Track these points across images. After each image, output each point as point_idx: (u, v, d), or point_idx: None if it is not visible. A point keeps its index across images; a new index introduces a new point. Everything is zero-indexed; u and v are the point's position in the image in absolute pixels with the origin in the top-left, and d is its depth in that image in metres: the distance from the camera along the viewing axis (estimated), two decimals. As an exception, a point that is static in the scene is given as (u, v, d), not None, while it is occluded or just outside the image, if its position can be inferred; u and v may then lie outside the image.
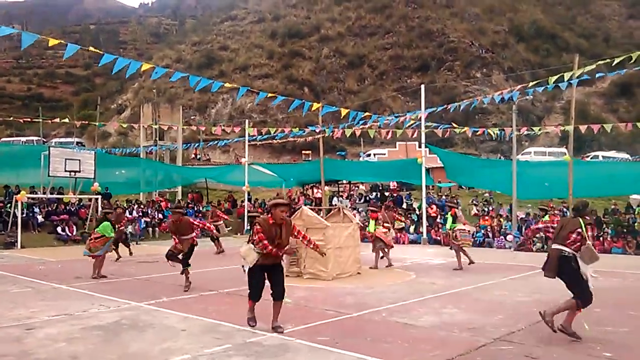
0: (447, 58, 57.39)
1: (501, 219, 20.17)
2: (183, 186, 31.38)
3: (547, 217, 12.49)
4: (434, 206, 21.75)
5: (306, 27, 67.49)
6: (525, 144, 40.48)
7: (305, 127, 25.60)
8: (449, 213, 12.25)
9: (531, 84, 14.99)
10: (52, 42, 8.96)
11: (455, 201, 14.42)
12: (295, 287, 9.29)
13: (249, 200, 26.73)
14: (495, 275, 10.84)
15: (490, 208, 23.05)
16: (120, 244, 14.11)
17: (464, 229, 11.89)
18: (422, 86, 18.76)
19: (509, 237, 18.10)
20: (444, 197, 24.03)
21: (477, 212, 23.02)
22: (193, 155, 42.53)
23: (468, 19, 64.17)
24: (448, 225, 12.07)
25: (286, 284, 9.57)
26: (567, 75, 14.27)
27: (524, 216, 20.10)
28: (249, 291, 6.01)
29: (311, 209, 12.11)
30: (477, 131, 19.67)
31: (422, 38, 61.02)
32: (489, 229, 19.18)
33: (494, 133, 18.75)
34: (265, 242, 5.79)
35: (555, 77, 14.41)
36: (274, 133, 23.44)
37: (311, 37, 65.57)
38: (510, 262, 13.30)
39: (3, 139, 36.63)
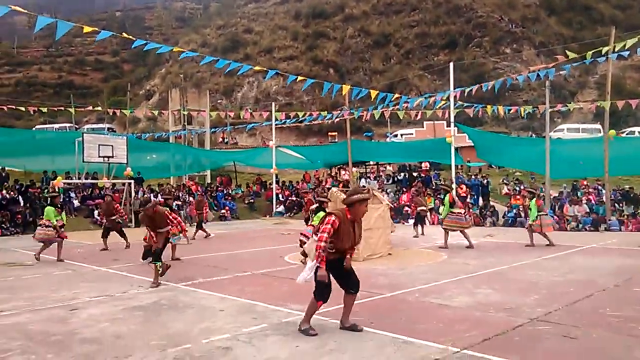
0: (475, 34, 55.96)
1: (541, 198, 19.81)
2: (212, 170, 31.80)
3: (534, 202, 12.30)
4: (463, 186, 21.47)
5: (330, 7, 66.70)
6: (557, 121, 39.42)
7: (332, 109, 25.47)
8: (446, 197, 12.50)
9: (568, 57, 14.36)
10: (87, 29, 9.19)
11: (450, 185, 14.65)
12: (327, 268, 9.39)
13: (277, 182, 26.92)
14: (529, 255, 10.70)
15: (522, 187, 22.64)
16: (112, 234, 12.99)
17: (460, 212, 12.32)
18: (451, 64, 18.38)
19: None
20: (473, 177, 23.72)
21: (508, 191, 22.64)
22: (221, 139, 42.93)
23: (497, -7, 62.24)
24: (445, 210, 12.41)
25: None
26: (605, 50, 13.72)
27: (557, 195, 19.70)
28: (315, 289, 5.18)
29: (340, 190, 12.13)
30: (510, 110, 19.20)
31: (449, 14, 59.58)
32: (520, 209, 18.85)
33: (525, 112, 18.27)
34: (324, 238, 4.90)
35: (592, 52, 13.88)
36: (302, 116, 23.42)
37: (335, 17, 64.81)
38: (543, 242, 13.09)
39: (38, 126, 37.64)
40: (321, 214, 9.40)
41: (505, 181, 24.54)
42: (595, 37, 32.61)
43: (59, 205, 11.51)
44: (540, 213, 12.26)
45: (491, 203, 21.01)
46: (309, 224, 10.06)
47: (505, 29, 55.82)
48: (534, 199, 12.38)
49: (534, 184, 22.98)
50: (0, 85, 77.16)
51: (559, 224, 17.04)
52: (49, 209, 11.03)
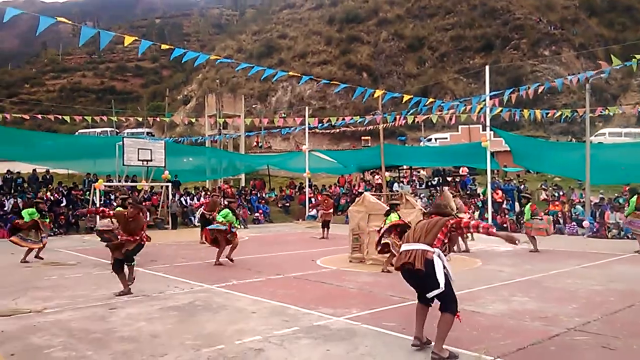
0: (512, 36, 54.85)
1: (572, 205, 19.25)
2: (246, 173, 32.22)
3: (528, 207, 12.67)
4: (499, 191, 21.09)
5: (364, 11, 66.67)
6: (598, 125, 38.18)
7: (365, 113, 25.35)
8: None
9: (612, 62, 13.87)
10: (128, 39, 9.49)
11: (458, 190, 14.81)
12: (358, 272, 9.39)
13: (310, 186, 27.04)
14: (567, 263, 10.42)
15: (561, 193, 22.04)
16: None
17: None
18: (487, 67, 18.06)
19: (585, 224, 17.24)
20: (508, 182, 23.24)
21: (546, 197, 22.08)
22: (255, 143, 43.48)
23: (535, -6, 60.86)
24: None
25: (349, 269, 9.76)
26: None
27: (597, 201, 19.07)
28: (452, 300, 4.73)
29: (372, 194, 12.11)
30: (548, 113, 18.68)
31: (485, 17, 58.65)
32: (559, 215, 18.37)
33: (564, 116, 17.76)
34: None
35: (640, 58, 13.35)
36: (335, 122, 23.41)
37: (369, 21, 64.72)
38: (583, 250, 12.72)
39: (80, 131, 39.00)
40: (393, 216, 9.28)
41: (543, 187, 23.93)
42: (638, 39, 31.48)
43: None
44: (535, 217, 12.48)
45: (528, 209, 20.49)
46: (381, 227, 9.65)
47: (544, 31, 54.50)
48: (529, 204, 12.80)
49: (570, 190, 22.34)
50: (46, 90, 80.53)
51: (599, 231, 16.51)
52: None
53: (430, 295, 4.64)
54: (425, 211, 5.23)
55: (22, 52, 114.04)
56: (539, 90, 15.23)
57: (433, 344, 4.65)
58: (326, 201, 17.02)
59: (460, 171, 27.34)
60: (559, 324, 5.60)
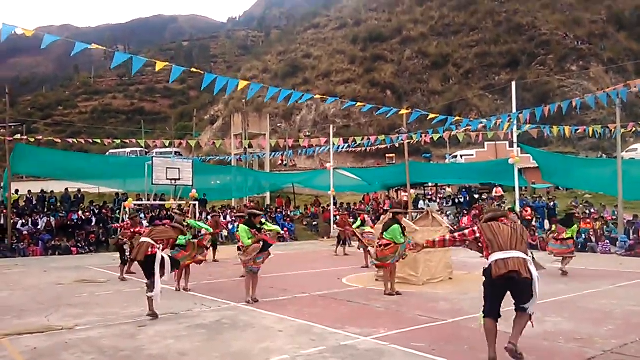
0: (538, 52, 54.33)
1: (605, 222, 18.72)
2: (271, 192, 32.39)
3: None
4: (528, 209, 20.67)
5: (388, 30, 67.15)
6: (629, 141, 37.23)
7: (390, 131, 25.25)
8: (359, 218, 14.15)
9: None
10: (159, 65, 9.78)
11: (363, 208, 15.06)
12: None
13: (335, 204, 27.01)
14: (601, 282, 10.10)
15: (592, 210, 21.47)
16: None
17: (372, 232, 12.79)
18: (513, 83, 17.88)
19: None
20: (538, 199, 22.75)
21: (577, 214, 21.50)
22: (280, 162, 43.79)
23: (561, 10, 60.28)
24: (355, 226, 13.76)
25: (375, 287, 9.65)
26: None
27: (631, 219, 18.50)
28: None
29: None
30: (578, 129, 18.29)
31: (510, 33, 58.35)
32: (591, 233, 17.88)
33: (595, 131, 17.35)
34: None
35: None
36: (360, 141, 23.36)
37: (393, 39, 65.11)
38: (617, 269, 12.32)
39: (111, 151, 39.93)
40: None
41: (574, 203, 23.35)
42: (671, 52, 30.74)
43: (259, 226, 8.19)
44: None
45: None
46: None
47: (571, 46, 53.85)
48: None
49: (602, 207, 21.75)
50: (78, 112, 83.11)
51: (634, 249, 15.98)
52: (241, 228, 8.23)
53: (529, 305, 4.78)
54: (488, 216, 5.14)
55: (56, 75, 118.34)
56: (575, 107, 14.90)
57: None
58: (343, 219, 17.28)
59: (494, 192, 26.66)
60: (595, 346, 5.42)
